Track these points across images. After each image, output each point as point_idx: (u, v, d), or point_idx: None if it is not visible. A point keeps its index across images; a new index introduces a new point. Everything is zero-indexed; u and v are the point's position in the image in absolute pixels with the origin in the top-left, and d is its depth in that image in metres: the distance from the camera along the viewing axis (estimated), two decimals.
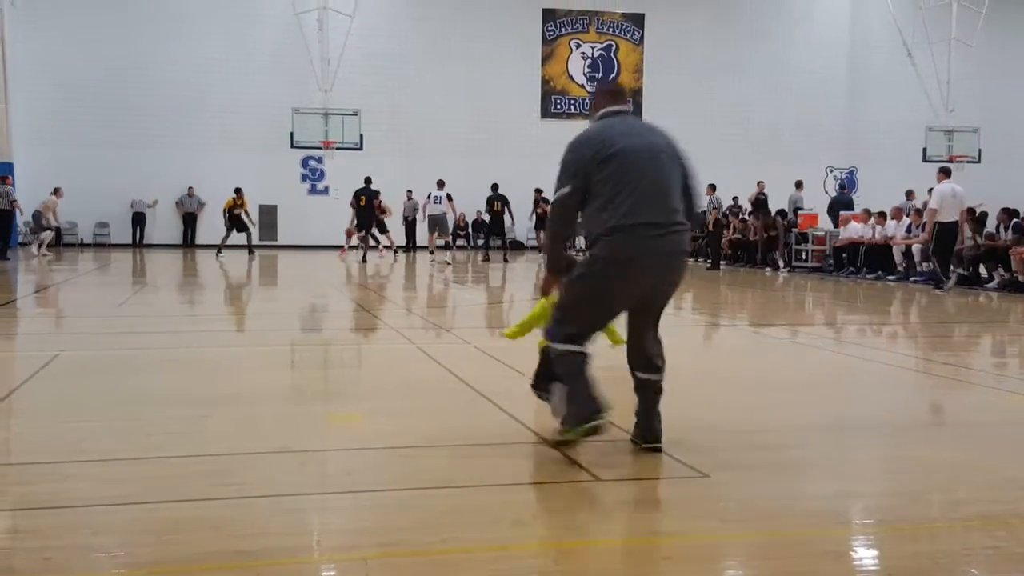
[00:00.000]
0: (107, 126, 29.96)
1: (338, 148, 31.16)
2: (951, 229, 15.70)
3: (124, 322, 10.61)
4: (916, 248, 18.22)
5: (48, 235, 25.26)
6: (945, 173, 16.09)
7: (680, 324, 11.75)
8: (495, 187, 25.39)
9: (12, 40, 28.30)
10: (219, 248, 25.91)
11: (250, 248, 26.21)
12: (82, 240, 30.61)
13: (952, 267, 16.48)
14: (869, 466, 4.77)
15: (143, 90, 30.32)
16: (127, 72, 30.26)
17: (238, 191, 26.14)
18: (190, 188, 30.56)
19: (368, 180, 24.07)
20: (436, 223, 23.50)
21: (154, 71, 30.42)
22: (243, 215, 25.99)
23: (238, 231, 26.03)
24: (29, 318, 11.43)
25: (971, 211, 17.44)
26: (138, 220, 30.55)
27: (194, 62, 30.64)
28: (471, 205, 30.82)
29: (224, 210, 26.37)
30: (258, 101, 30.95)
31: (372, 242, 25.13)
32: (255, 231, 27.22)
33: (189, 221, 30.88)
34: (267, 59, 31.01)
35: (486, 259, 25.21)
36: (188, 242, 30.64)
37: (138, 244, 30.43)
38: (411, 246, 29.63)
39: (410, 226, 29.86)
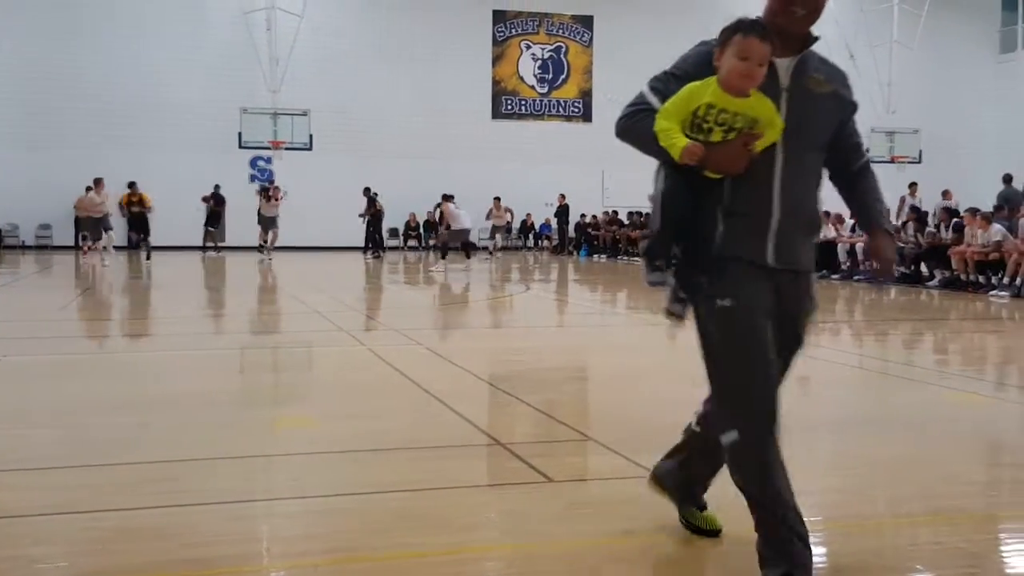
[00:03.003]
0: (50, 127, 29.44)
1: (287, 148, 30.93)
2: None
3: (67, 326, 10.43)
4: (859, 247, 18.46)
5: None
6: None
7: (634, 322, 11.83)
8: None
9: None
10: (214, 248, 26.20)
11: (148, 252, 24.11)
12: (23, 242, 30.03)
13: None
14: (814, 463, 4.82)
15: (88, 90, 29.85)
16: (71, 72, 29.77)
17: (132, 185, 25.04)
18: (131, 184, 30.12)
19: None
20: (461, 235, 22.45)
21: (100, 70, 29.97)
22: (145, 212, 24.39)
23: (136, 231, 24.66)
24: None
25: (914, 209, 17.79)
26: (80, 222, 30.02)
27: (141, 62, 30.22)
28: (422, 205, 30.75)
29: (120, 204, 25.32)
30: (206, 101, 30.60)
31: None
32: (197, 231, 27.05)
33: (133, 224, 30.38)
34: (215, 59, 30.67)
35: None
36: (131, 244, 30.17)
37: (81, 247, 29.88)
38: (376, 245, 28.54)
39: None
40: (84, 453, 4.66)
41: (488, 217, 29.43)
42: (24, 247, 29.82)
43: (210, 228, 28.29)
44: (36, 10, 29.53)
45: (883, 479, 4.43)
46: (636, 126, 2.90)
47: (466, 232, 22.22)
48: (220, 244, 28.10)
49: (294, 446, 4.93)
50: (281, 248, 26.23)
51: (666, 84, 2.91)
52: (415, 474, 4.33)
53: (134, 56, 30.22)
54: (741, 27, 2.77)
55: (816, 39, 2.92)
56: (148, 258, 23.17)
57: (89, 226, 23.07)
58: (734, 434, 2.88)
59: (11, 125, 29.01)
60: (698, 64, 2.89)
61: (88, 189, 23.54)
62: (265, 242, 25.28)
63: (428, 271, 18.86)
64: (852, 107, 3.04)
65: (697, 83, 2.78)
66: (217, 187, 29.04)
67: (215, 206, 28.87)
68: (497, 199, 29.14)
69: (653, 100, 2.91)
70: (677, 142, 2.71)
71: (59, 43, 29.66)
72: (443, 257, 21.32)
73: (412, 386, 6.54)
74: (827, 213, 19.85)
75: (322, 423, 5.47)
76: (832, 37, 35.20)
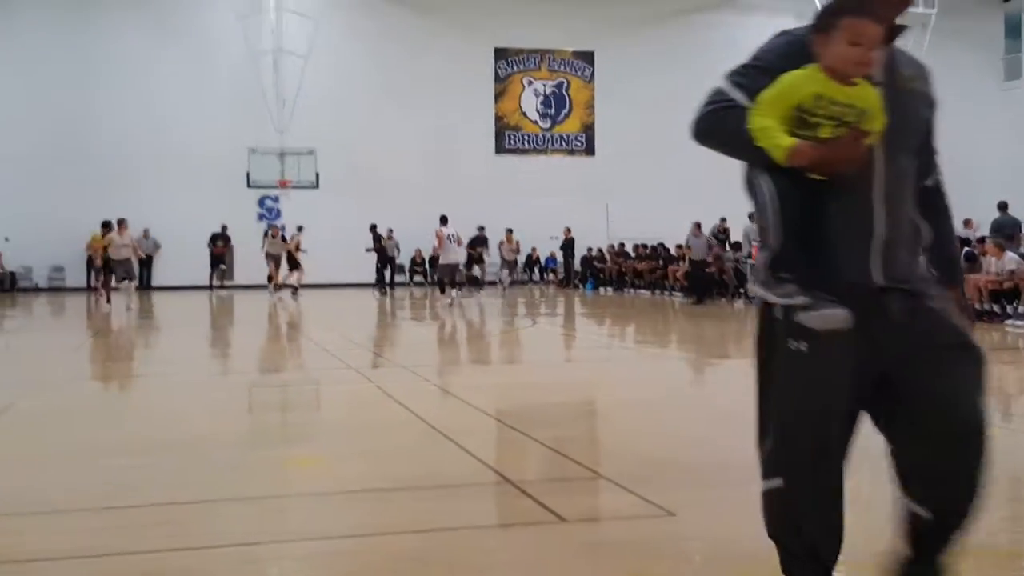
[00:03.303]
0: (61, 170, 29.59)
1: (294, 187, 31.08)
2: None
3: (78, 368, 10.42)
4: None
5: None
6: None
7: (641, 357, 11.78)
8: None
9: None
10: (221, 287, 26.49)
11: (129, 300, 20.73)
12: (37, 284, 30.16)
13: None
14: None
15: (98, 133, 30.09)
16: (81, 116, 30.02)
17: (106, 225, 21.88)
18: (145, 230, 30.21)
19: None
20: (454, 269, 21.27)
21: (109, 114, 30.21)
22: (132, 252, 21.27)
23: (113, 274, 21.27)
24: None
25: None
26: (93, 264, 30.18)
27: (150, 105, 30.48)
28: (428, 241, 30.78)
29: (89, 247, 22.40)
30: (214, 142, 30.78)
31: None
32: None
33: (145, 263, 30.54)
34: (223, 101, 30.93)
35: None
36: (144, 284, 30.29)
37: (94, 288, 30.01)
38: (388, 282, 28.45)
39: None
40: (93, 496, 4.62)
41: (499, 250, 28.75)
42: (37, 289, 29.94)
43: (221, 266, 28.49)
44: (41, 58, 29.80)
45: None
46: (722, 126, 2.49)
47: (453, 267, 20.94)
48: (227, 283, 28.16)
49: (303, 486, 4.89)
50: (287, 285, 26.30)
51: (752, 78, 2.50)
52: (425, 514, 4.28)
53: (144, 99, 30.47)
54: (848, 7, 2.37)
55: (905, 29, 2.49)
56: (127, 308, 19.84)
57: (114, 267, 21.29)
58: (778, 481, 2.64)
59: (23, 169, 29.16)
60: (784, 55, 2.48)
61: (105, 226, 22.40)
62: (270, 278, 25.38)
63: (434, 307, 18.67)
64: (935, 106, 2.71)
65: (796, 72, 2.41)
66: (224, 227, 29.18)
67: (223, 245, 29.04)
68: (509, 231, 28.67)
69: (738, 96, 2.49)
70: (780, 141, 2.35)
71: (65, 89, 29.91)
72: (442, 292, 21.01)
73: (421, 423, 6.50)
74: None
75: (331, 463, 5.42)
76: None
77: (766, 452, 2.68)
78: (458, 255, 21.06)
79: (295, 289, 24.54)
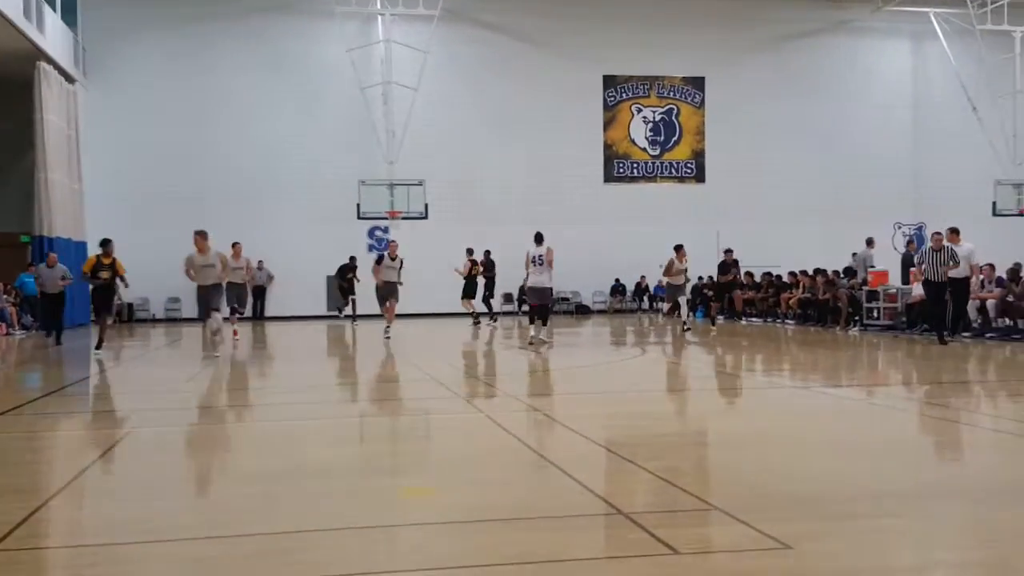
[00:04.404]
0: (178, 204, 30.67)
1: (403, 218, 31.58)
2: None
3: (193, 397, 10.72)
4: (991, 303, 17.82)
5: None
6: (954, 232, 17.21)
7: (754, 386, 11.56)
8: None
9: (86, 123, 29.36)
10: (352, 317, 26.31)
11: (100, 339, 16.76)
12: (154, 315, 31.29)
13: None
14: (958, 533, 4.58)
15: (213, 168, 31.23)
16: (198, 151, 31.22)
17: (104, 243, 16.87)
18: (260, 262, 31.08)
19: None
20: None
21: (225, 150, 31.36)
22: (117, 279, 16.72)
23: (100, 303, 17.12)
24: (99, 396, 11.59)
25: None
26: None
27: (264, 140, 31.52)
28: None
29: (86, 272, 16.81)
30: (326, 175, 31.62)
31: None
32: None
33: (259, 294, 31.38)
34: (334, 134, 31.77)
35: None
36: (258, 314, 31.09)
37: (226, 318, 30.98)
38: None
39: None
40: (210, 524, 4.72)
41: (667, 272, 21.06)
42: (154, 320, 31.05)
43: (352, 297, 28.54)
44: (161, 97, 31.06)
45: None
46: None
47: (541, 292, 17.43)
48: (356, 313, 28.17)
49: (415, 516, 4.91)
50: (400, 315, 26.53)
51: None
52: (535, 545, 4.25)
53: (257, 133, 31.51)
54: None
55: None
56: (98, 347, 16.49)
57: (229, 294, 19.39)
58: None
59: (140, 205, 30.35)
60: None
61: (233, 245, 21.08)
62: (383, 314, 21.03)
63: (540, 338, 17.60)
64: None
65: None
66: (352, 258, 29.44)
67: (352, 276, 28.97)
68: (679, 247, 20.50)
69: None
70: None
71: (183, 127, 31.14)
72: (531, 321, 17.58)
73: (529, 452, 6.48)
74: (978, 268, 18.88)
75: (442, 492, 5.44)
76: (954, 91, 34.74)
77: None
78: (544, 279, 17.20)
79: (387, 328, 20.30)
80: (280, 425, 8.40)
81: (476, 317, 25.76)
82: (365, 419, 9.11)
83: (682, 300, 20.82)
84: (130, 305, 30.71)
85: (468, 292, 25.76)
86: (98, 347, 16.45)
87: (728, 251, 25.25)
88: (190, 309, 31.03)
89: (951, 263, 16.40)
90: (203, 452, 6.90)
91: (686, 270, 20.71)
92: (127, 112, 30.85)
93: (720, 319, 25.32)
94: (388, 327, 20.09)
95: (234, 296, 20.37)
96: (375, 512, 4.94)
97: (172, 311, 31.38)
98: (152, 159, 30.81)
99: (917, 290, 20.15)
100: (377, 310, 21.37)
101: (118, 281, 16.75)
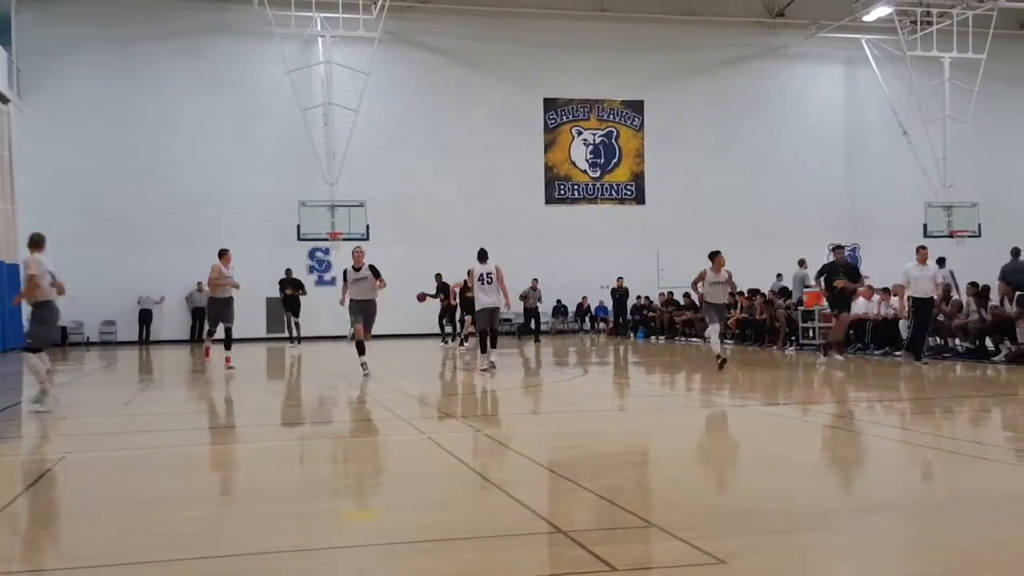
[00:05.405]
0: (114, 225, 30.30)
1: (344, 239, 31.43)
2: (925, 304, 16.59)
3: (131, 421, 10.58)
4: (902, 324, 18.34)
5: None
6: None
7: (689, 405, 11.71)
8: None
9: (19, 143, 28.82)
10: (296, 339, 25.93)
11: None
12: (88, 338, 30.73)
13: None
14: (890, 548, 4.71)
15: (150, 188, 30.82)
16: (135, 173, 30.79)
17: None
18: (199, 283, 30.68)
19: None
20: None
21: (163, 171, 30.98)
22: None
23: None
24: (34, 419, 11.38)
25: (973, 284, 17.68)
26: (145, 317, 30.86)
27: (202, 160, 31.25)
28: None
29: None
30: (265, 196, 31.41)
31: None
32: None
33: (198, 315, 31.00)
34: (274, 155, 31.60)
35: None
36: (196, 336, 30.72)
37: (145, 341, 30.56)
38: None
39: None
40: (147, 549, 4.69)
41: (696, 286, 16.74)
42: (88, 343, 30.49)
43: (295, 319, 27.08)
44: (95, 117, 30.64)
45: (960, 565, 4.30)
46: None
47: (496, 312, 16.37)
48: (300, 335, 27.03)
49: (358, 538, 4.93)
50: (338, 337, 26.32)
51: None
52: (477, 565, 4.29)
53: (195, 155, 31.23)
54: None
55: None
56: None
57: (216, 311, 18.43)
58: None
59: (74, 225, 29.67)
60: None
61: (223, 254, 19.12)
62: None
63: (489, 359, 17.37)
64: None
65: None
66: (288, 271, 28.43)
67: (293, 291, 27.47)
68: (715, 254, 16.10)
69: None
70: None
71: (118, 147, 30.73)
72: (483, 350, 16.40)
73: (472, 474, 6.52)
74: (885, 289, 19.63)
75: (385, 514, 5.46)
76: (886, 115, 35.60)
77: None
78: (494, 299, 16.03)
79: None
80: (219, 448, 8.33)
81: (449, 337, 26.34)
82: (305, 441, 9.07)
83: (713, 329, 16.12)
84: (64, 328, 30.10)
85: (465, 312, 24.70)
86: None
87: None
88: (125, 332, 30.63)
89: (940, 279, 16.92)
90: (140, 476, 6.82)
91: (726, 282, 16.03)
92: (62, 133, 30.33)
93: (661, 339, 25.53)
94: (363, 360, 15.80)
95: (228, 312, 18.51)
96: (318, 535, 4.94)
97: (107, 334, 30.84)
98: (88, 180, 30.31)
99: (852, 310, 20.51)
100: (323, 331, 20.95)
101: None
